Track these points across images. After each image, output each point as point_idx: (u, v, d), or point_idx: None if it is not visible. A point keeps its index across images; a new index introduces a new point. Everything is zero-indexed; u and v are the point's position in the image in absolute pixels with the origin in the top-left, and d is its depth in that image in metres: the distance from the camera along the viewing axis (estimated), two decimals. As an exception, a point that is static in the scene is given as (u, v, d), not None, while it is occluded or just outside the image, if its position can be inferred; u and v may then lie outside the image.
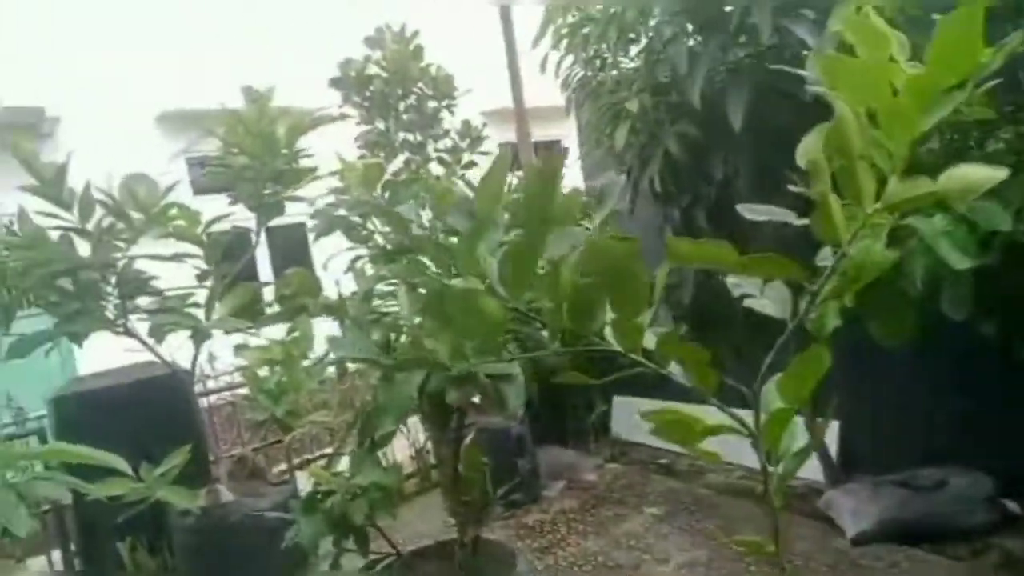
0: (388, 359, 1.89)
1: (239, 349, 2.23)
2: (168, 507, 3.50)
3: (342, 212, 2.28)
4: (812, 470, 3.59)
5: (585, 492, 4.19)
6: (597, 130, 3.80)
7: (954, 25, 0.84)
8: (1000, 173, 0.72)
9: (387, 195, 2.22)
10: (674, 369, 1.07)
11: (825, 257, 1.04)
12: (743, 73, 3.00)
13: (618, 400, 4.99)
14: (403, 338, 2.07)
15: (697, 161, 3.45)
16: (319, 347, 2.45)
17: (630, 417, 4.77)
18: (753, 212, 1.05)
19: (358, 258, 2.35)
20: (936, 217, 1.36)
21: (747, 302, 1.12)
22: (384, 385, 1.74)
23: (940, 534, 2.99)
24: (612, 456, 4.69)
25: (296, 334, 2.19)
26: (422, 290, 1.96)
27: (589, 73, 3.95)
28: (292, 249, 8.48)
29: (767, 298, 1.08)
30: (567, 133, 10.94)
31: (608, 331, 1.11)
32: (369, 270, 2.35)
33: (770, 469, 1.03)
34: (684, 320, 3.51)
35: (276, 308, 2.36)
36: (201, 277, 3.67)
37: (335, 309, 2.12)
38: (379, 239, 2.21)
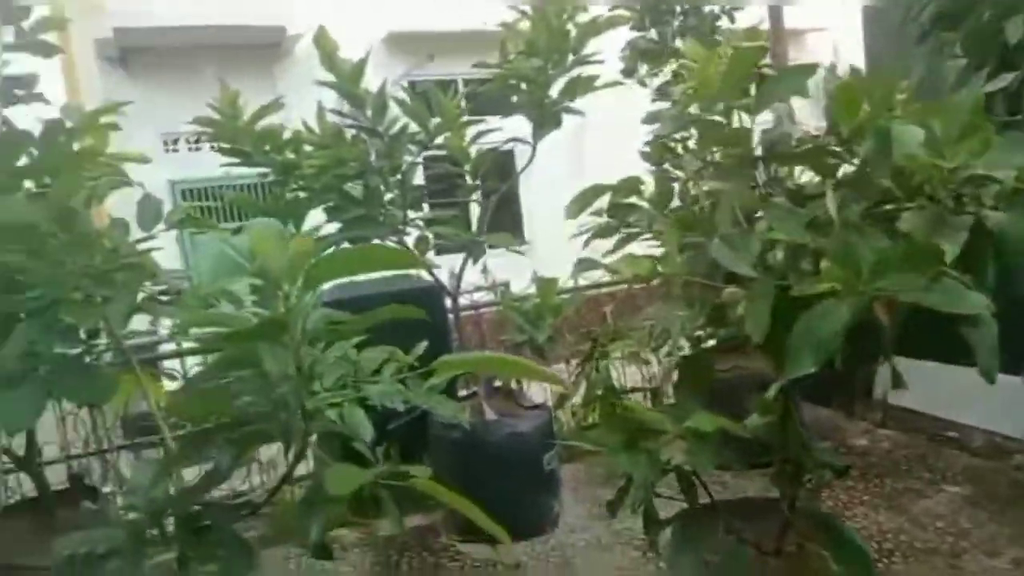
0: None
1: (579, 264, 2.00)
2: (430, 419, 3.53)
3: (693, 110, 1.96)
4: None
5: (858, 458, 3.71)
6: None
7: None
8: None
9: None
10: None
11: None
12: None
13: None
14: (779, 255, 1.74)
15: None
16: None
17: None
18: None
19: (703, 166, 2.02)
20: None
21: None
22: (801, 316, 1.42)
23: None
24: (882, 421, 4.14)
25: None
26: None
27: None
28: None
29: None
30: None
31: None
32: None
33: None
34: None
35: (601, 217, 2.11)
36: (465, 192, 3.61)
37: (692, 224, 1.82)
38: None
